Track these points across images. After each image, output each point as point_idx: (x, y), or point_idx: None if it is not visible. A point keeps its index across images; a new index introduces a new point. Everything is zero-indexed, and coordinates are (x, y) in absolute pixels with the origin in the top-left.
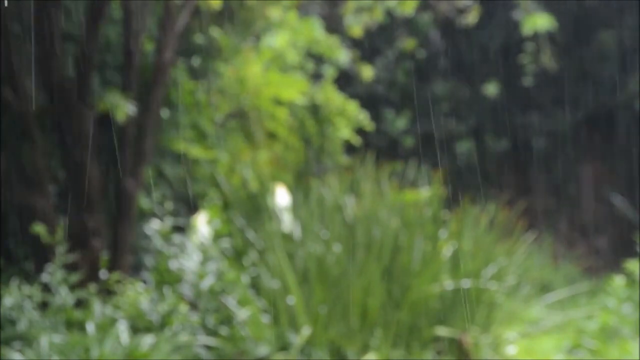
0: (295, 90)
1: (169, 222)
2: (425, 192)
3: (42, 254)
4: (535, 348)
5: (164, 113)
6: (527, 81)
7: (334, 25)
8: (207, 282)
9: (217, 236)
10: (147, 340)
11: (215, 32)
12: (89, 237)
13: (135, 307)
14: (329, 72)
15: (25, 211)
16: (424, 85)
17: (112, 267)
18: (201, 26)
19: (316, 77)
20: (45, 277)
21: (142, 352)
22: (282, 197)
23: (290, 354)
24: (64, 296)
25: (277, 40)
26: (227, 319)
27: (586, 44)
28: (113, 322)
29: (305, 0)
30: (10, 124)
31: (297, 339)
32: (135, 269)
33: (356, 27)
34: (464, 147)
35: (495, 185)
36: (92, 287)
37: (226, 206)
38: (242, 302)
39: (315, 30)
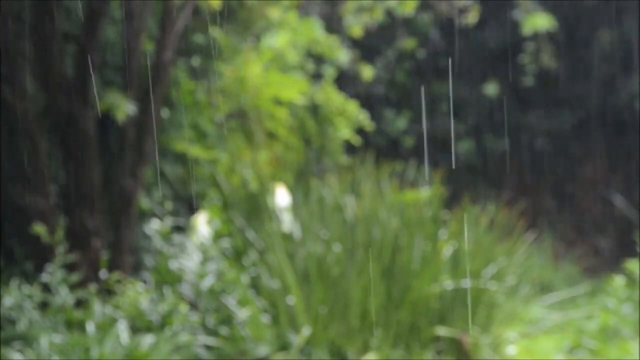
0: (295, 90)
1: (169, 222)
2: (425, 192)
3: (42, 254)
4: (535, 348)
5: (164, 113)
6: (527, 81)
7: (334, 25)
8: (207, 282)
9: (217, 236)
10: (147, 340)
11: (215, 32)
12: (89, 237)
13: (135, 307)
14: (329, 72)
15: (25, 211)
16: (424, 85)
17: (112, 267)
18: (201, 26)
19: (316, 77)
20: (45, 277)
21: (142, 352)
22: (282, 197)
23: (290, 354)
24: (64, 296)
25: (277, 40)
26: (227, 319)
27: (586, 44)
28: (113, 322)
29: (305, 0)
30: (10, 124)
31: (297, 339)
32: (135, 269)
33: (356, 27)
34: (464, 147)
35: (495, 185)
36: (92, 287)
37: (226, 206)
38: (242, 302)
39: (315, 31)
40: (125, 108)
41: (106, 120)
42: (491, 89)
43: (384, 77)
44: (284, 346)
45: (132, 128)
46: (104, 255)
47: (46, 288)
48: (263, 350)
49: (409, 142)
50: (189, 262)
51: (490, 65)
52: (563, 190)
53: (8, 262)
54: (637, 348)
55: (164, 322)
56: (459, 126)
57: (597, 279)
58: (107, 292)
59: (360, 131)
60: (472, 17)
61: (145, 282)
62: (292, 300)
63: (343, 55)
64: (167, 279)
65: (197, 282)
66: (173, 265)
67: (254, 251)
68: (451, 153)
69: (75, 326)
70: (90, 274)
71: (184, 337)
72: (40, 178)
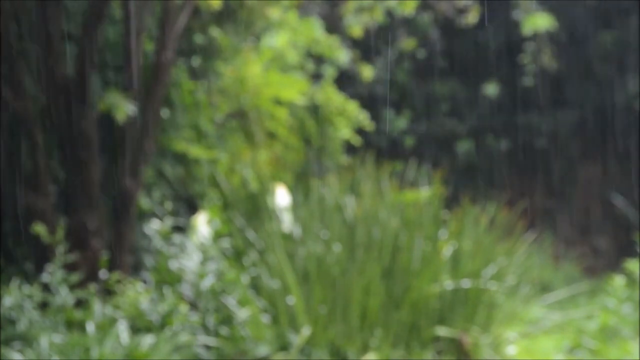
0: (295, 90)
1: (169, 222)
2: (425, 192)
3: (42, 254)
4: (535, 348)
5: (164, 113)
6: (527, 81)
7: (334, 25)
8: (207, 282)
9: (217, 236)
10: (147, 340)
11: (215, 32)
12: (89, 237)
13: (135, 307)
14: (329, 72)
15: (25, 211)
16: (424, 85)
17: (112, 267)
18: (201, 26)
19: (316, 77)
20: (45, 277)
21: (142, 352)
22: (282, 197)
23: (290, 354)
24: (64, 296)
25: (277, 40)
26: (227, 319)
27: (586, 44)
28: (113, 322)
29: (305, 0)
30: (10, 124)
31: (297, 339)
32: (135, 269)
33: (356, 27)
34: (464, 147)
35: (495, 185)
36: (92, 287)
37: (226, 206)
38: (242, 302)
39: (315, 31)
40: (125, 108)
41: (106, 120)
42: (491, 89)
43: (384, 77)
44: (284, 346)
45: (132, 128)
46: (104, 255)
47: (46, 288)
48: (263, 350)
49: (409, 142)
50: (189, 262)
51: (490, 65)
52: (563, 190)
53: (8, 262)
54: (637, 348)
55: (164, 322)
56: (459, 126)
57: (597, 278)
58: (107, 292)
59: (360, 131)
60: (472, 17)
61: (145, 282)
62: (292, 300)
63: (343, 55)
64: (167, 279)
65: (197, 282)
66: (173, 265)
67: (254, 251)
68: (451, 153)
69: (75, 326)
70: (90, 274)
71: (184, 337)
72: (40, 178)
